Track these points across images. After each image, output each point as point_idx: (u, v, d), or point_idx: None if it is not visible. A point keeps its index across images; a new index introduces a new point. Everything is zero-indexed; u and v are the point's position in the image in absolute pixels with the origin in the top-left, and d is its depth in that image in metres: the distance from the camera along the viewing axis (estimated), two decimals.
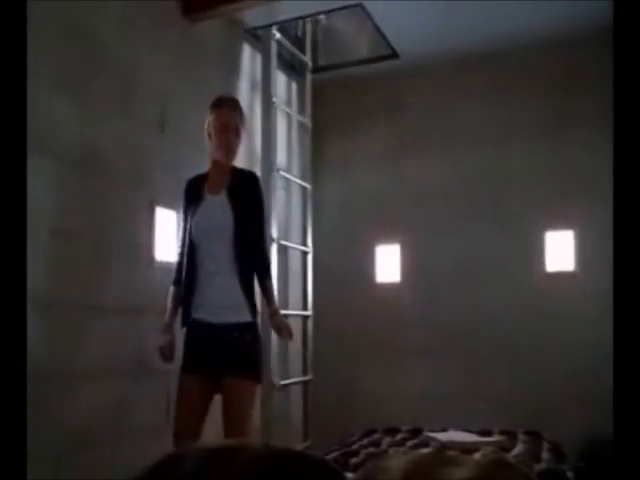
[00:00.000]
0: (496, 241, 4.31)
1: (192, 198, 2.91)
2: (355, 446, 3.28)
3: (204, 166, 2.96)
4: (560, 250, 4.16)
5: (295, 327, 4.44)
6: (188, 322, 2.81)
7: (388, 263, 4.63)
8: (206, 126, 2.92)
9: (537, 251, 4.22)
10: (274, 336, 3.85)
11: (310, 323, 4.53)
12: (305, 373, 4.48)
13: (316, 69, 4.62)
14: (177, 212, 3.17)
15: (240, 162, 3.92)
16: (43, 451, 2.42)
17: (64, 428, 2.54)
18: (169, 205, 3.23)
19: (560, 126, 4.20)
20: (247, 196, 2.90)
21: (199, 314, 2.79)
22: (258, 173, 4.00)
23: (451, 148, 4.49)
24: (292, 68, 4.60)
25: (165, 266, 3.11)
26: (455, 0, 3.66)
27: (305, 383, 4.47)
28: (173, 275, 2.91)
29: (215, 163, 2.93)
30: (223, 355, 2.73)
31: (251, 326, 2.81)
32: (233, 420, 2.69)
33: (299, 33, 4.46)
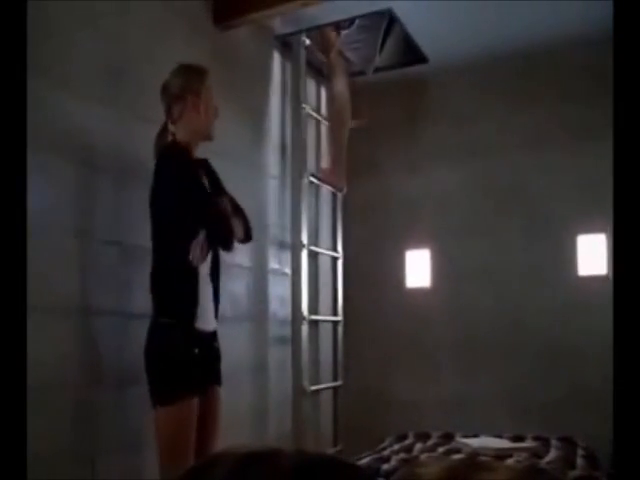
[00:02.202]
0: (527, 245, 4.27)
1: (195, 180, 2.52)
2: (386, 452, 3.27)
3: (235, 174, 2.91)
4: (592, 254, 4.10)
5: (325, 332, 4.48)
6: (190, 331, 2.46)
7: (418, 268, 4.61)
8: (192, 93, 2.56)
9: (569, 255, 4.17)
10: (304, 343, 3.87)
11: (340, 328, 4.54)
12: (335, 378, 4.48)
13: None
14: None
15: (271, 168, 3.96)
16: (79, 453, 2.46)
17: (102, 431, 2.57)
18: None
19: (591, 128, 4.13)
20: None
21: (198, 322, 2.49)
22: (288, 179, 4.05)
23: (481, 152, 4.46)
24: (321, 74, 4.61)
25: None
26: (484, 0, 3.64)
27: (335, 388, 4.47)
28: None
29: (195, 141, 2.61)
30: (211, 364, 2.59)
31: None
32: (215, 426, 2.58)
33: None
